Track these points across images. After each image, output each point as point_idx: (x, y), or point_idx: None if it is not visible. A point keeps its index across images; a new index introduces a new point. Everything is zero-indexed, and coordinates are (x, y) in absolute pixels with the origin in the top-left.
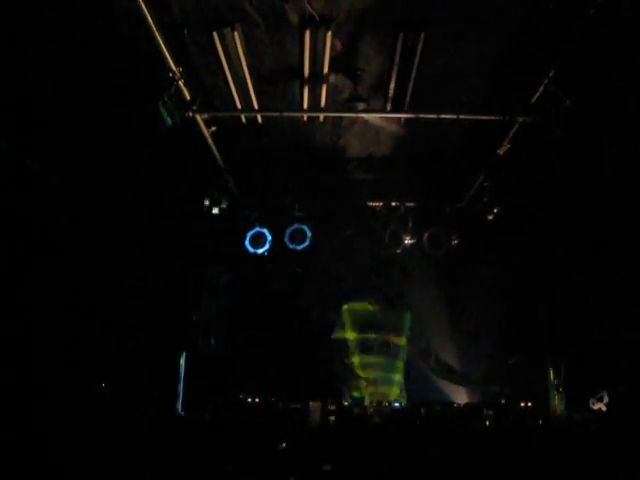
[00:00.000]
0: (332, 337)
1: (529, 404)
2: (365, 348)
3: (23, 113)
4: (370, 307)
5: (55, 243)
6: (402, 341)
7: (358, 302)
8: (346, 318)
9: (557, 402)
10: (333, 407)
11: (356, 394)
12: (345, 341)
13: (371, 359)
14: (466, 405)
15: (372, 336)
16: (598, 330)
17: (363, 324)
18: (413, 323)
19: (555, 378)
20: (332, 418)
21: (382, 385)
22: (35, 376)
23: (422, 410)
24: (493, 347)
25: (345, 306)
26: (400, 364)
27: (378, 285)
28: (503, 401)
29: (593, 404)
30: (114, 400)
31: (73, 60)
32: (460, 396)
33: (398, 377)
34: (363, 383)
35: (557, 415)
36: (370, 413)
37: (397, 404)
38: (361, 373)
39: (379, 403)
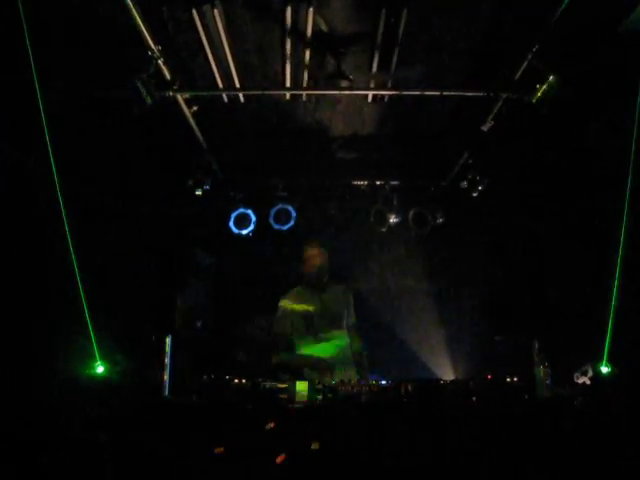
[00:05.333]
0: (273, 333)
1: (515, 379)
2: (313, 334)
3: None
4: (304, 294)
5: (36, 227)
6: (346, 321)
7: (293, 290)
8: (286, 312)
9: (542, 377)
10: (320, 386)
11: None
12: (288, 334)
13: (322, 345)
14: (452, 381)
15: (318, 321)
16: (583, 305)
17: (307, 311)
18: (348, 302)
19: (540, 353)
20: (319, 397)
21: (338, 368)
22: (18, 362)
23: (409, 387)
24: (479, 324)
25: (281, 301)
26: (353, 343)
27: (301, 273)
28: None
29: (577, 378)
30: (100, 385)
31: (49, 39)
32: (446, 373)
33: (352, 357)
34: (315, 374)
35: (542, 389)
36: (357, 391)
37: (383, 381)
38: (314, 361)
39: (364, 382)
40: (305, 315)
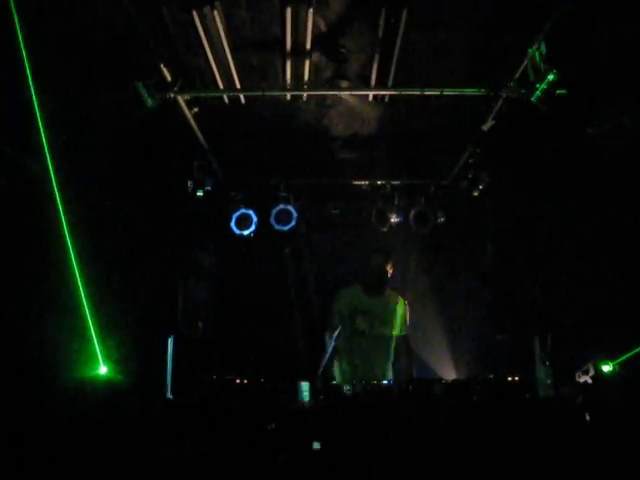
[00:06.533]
0: (329, 324)
1: (516, 378)
2: (355, 333)
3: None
4: (360, 293)
5: (37, 229)
6: (388, 327)
7: (349, 288)
8: (339, 305)
9: (543, 376)
10: (322, 386)
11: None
12: (339, 327)
13: (359, 342)
14: (454, 381)
15: (361, 321)
16: (584, 303)
17: (353, 310)
18: (399, 311)
19: (542, 352)
20: (321, 397)
21: (369, 366)
22: (20, 365)
23: (410, 387)
24: (481, 323)
25: (337, 293)
26: (388, 346)
27: (363, 274)
28: None
29: (579, 377)
30: (104, 384)
31: (48, 41)
32: (448, 372)
33: (384, 359)
34: (348, 367)
35: (544, 388)
36: (358, 391)
37: (385, 382)
38: (349, 356)
39: (367, 382)
40: (353, 313)
